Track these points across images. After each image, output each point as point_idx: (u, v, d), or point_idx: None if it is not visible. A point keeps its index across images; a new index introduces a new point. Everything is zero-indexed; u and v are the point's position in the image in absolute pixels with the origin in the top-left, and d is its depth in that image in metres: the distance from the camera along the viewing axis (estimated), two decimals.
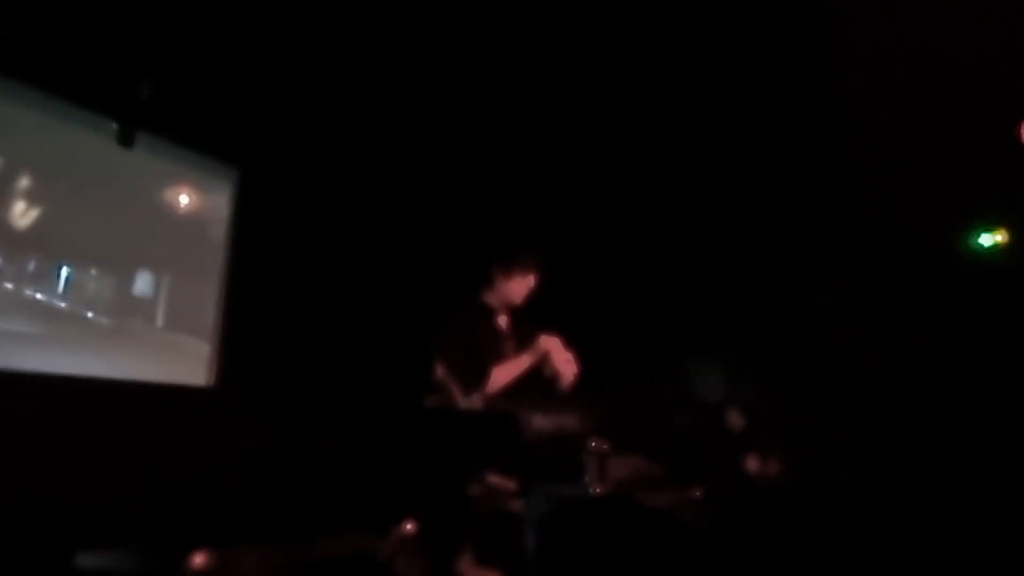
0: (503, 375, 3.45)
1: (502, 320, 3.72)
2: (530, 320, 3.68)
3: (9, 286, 3.57)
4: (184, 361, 4.08)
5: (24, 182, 3.62)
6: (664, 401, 4.49)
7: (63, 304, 3.74)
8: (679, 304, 4.62)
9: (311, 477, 2.98)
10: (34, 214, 3.63)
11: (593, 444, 2.78)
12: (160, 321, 4.13)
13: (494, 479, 2.79)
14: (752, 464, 4.19)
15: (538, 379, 3.46)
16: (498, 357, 3.52)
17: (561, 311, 3.69)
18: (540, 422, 3.19)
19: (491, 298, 3.66)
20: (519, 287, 3.61)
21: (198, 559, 2.09)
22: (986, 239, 4.67)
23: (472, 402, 3.21)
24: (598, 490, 2.73)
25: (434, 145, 4.48)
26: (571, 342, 3.54)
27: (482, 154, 4.50)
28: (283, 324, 4.11)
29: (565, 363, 3.48)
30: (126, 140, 3.78)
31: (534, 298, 3.69)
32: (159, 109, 3.85)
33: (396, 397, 3.51)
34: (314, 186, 4.35)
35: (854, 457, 4.31)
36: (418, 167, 4.56)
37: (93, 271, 3.91)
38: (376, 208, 4.55)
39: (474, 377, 3.37)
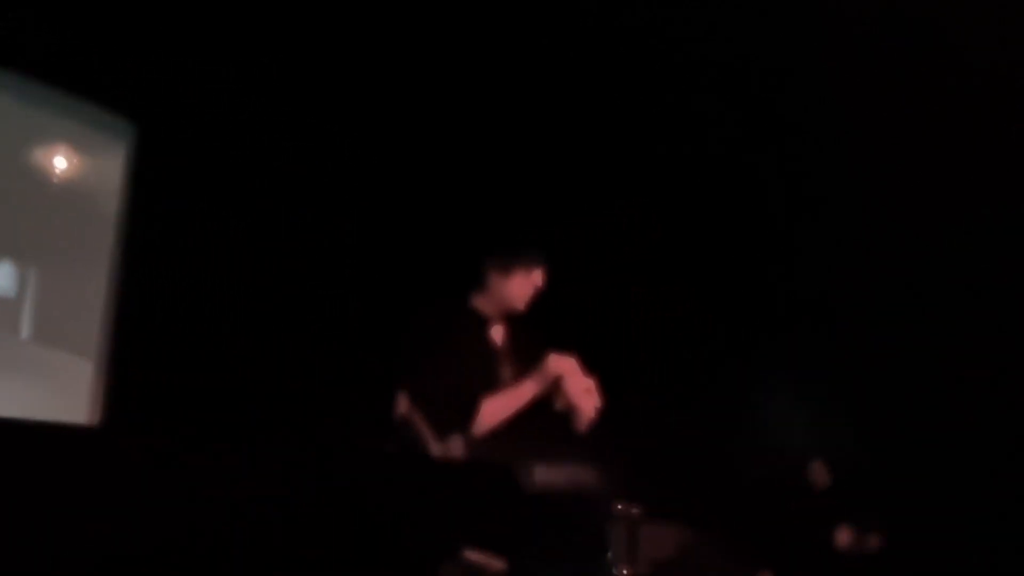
0: (496, 410, 3.22)
1: (497, 333, 3.50)
2: (535, 333, 3.51)
3: None
4: (58, 388, 3.93)
5: None
6: (719, 449, 4.32)
7: None
8: (739, 315, 4.51)
9: (225, 554, 2.54)
10: None
11: (620, 508, 2.55)
12: (25, 331, 3.92)
13: (475, 557, 2.41)
14: (843, 538, 4.05)
15: (544, 415, 3.24)
16: (489, 384, 3.30)
17: (577, 322, 3.63)
18: (545, 476, 2.95)
19: (483, 303, 3.46)
20: (521, 288, 3.39)
21: None
22: None
23: (450, 448, 3.00)
24: (626, 573, 2.51)
25: (400, 96, 4.39)
26: (592, 364, 3.30)
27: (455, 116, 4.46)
28: (195, 337, 3.95)
29: (583, 393, 3.24)
30: None
31: (540, 304, 3.47)
32: (25, 38, 3.49)
33: (345, 439, 3.10)
34: (240, 150, 4.20)
35: (981, 526, 4.14)
36: (379, 126, 4.44)
37: None
38: (325, 183, 4.36)
39: (454, 412, 3.14)
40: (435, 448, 2.94)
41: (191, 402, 3.82)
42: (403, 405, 3.09)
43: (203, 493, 2.50)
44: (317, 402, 3.96)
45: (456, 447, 3.01)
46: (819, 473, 4.26)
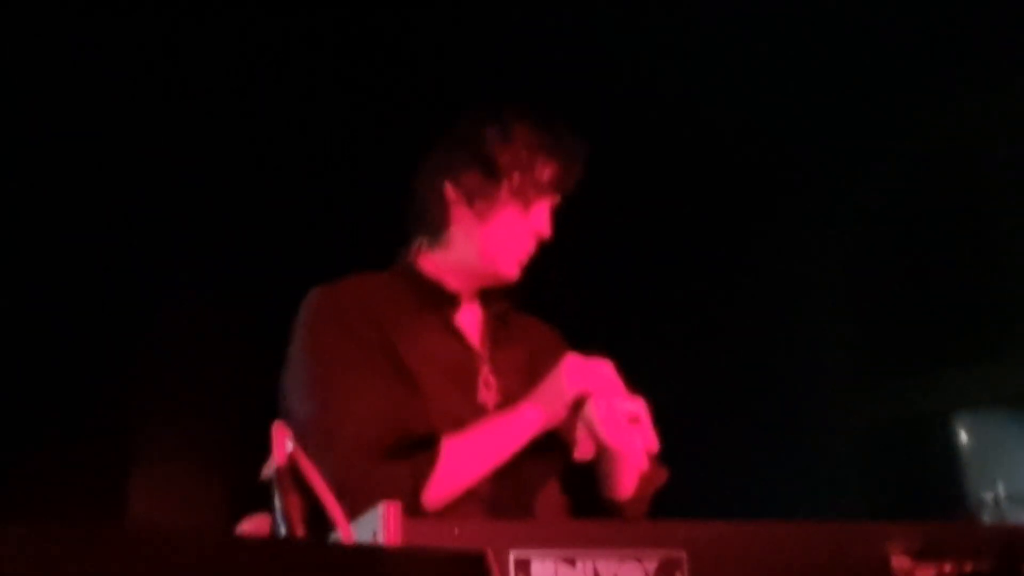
0: (469, 457, 1.94)
1: (467, 319, 2.18)
2: (535, 321, 2.31)
3: None
4: None
5: None
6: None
7: None
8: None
9: None
10: None
11: None
12: None
13: None
14: None
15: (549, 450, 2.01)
16: (456, 411, 2.02)
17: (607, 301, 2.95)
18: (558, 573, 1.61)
19: (435, 264, 2.16)
20: (512, 235, 2.09)
21: None
22: None
23: (369, 526, 1.59)
24: None
25: None
26: (637, 373, 1.99)
27: None
28: None
29: (626, 427, 1.89)
30: None
31: (543, 269, 2.15)
32: None
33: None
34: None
35: None
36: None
37: None
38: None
39: (382, 465, 1.90)
40: (344, 530, 1.61)
41: None
42: (283, 441, 1.67)
43: None
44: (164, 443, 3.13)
45: (389, 526, 1.60)
46: None
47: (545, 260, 2.10)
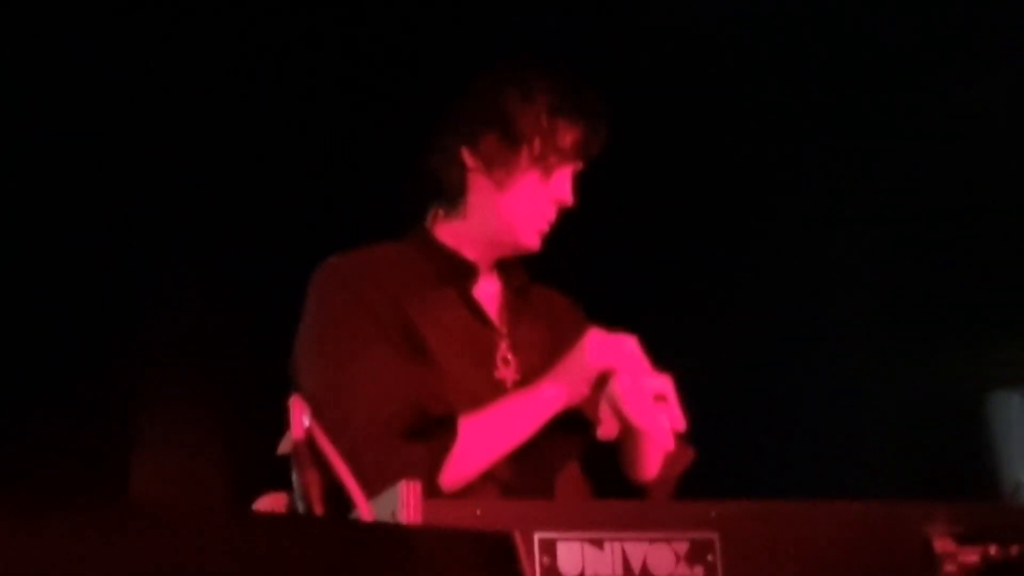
0: (489, 436, 1.88)
1: (486, 291, 2.09)
2: (555, 293, 2.23)
3: None
4: None
5: None
6: None
7: None
8: None
9: None
10: None
11: None
12: None
13: None
14: None
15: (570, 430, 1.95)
16: (475, 387, 1.96)
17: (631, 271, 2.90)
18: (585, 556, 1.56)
19: (452, 233, 2.08)
20: (534, 202, 2.00)
21: None
22: None
23: (388, 505, 1.54)
24: None
25: None
26: (662, 349, 1.93)
27: None
28: None
29: (652, 404, 1.83)
30: None
31: (563, 239, 2.07)
32: None
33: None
34: None
35: None
36: None
37: None
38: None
39: (403, 442, 1.85)
40: (364, 509, 1.54)
41: None
42: (300, 417, 1.63)
43: None
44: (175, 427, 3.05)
45: (408, 503, 1.55)
46: None
47: (567, 229, 2.02)
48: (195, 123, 3.40)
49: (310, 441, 1.54)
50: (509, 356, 2.02)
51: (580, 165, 2.00)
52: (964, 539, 1.53)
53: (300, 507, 1.60)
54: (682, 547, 1.48)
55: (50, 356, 3.19)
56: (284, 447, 1.62)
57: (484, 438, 1.84)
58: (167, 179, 3.36)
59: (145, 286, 3.24)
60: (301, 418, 1.53)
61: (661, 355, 1.88)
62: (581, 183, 2.01)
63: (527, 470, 1.88)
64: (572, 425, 1.90)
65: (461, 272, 2.03)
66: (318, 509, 1.50)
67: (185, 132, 3.40)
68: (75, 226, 3.29)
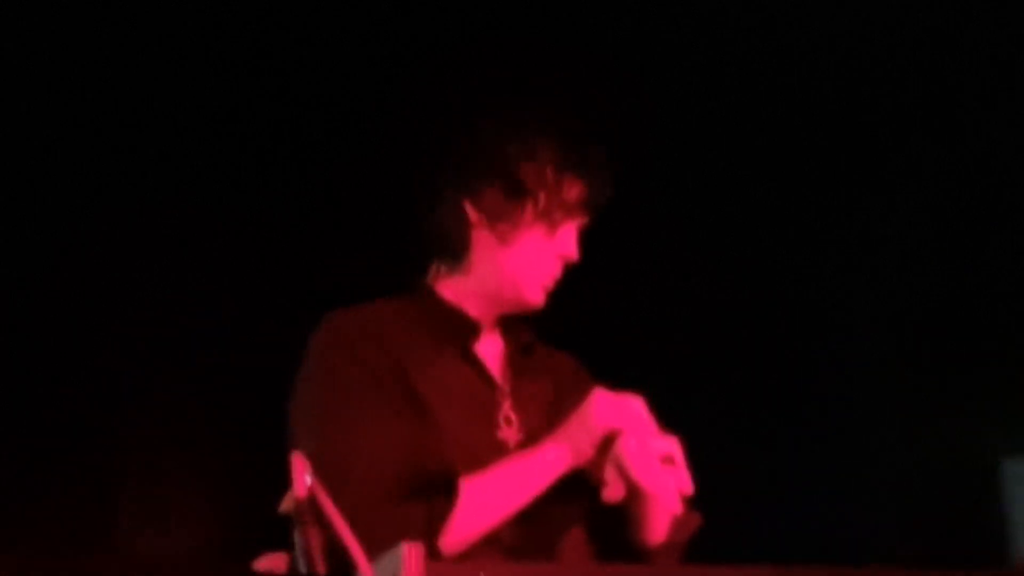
0: (491, 499, 1.82)
1: (488, 349, 2.04)
2: (560, 351, 2.17)
3: None
4: None
5: None
6: None
7: None
8: None
9: None
10: None
11: None
12: None
13: None
14: None
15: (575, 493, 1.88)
16: (477, 447, 1.90)
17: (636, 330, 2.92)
18: None
19: (456, 289, 2.04)
20: (538, 259, 1.97)
21: None
22: None
23: (390, 567, 1.42)
24: None
25: None
26: (668, 410, 1.86)
27: None
28: None
29: (657, 467, 1.77)
30: None
31: (568, 295, 2.02)
32: None
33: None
34: None
35: None
36: None
37: None
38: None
39: (394, 507, 1.77)
40: (366, 571, 1.44)
41: None
42: (303, 475, 1.55)
43: None
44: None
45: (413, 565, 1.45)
46: None
47: (571, 286, 1.97)
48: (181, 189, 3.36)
49: (312, 499, 1.47)
50: (512, 415, 1.95)
51: (585, 220, 1.95)
52: None
53: (302, 567, 1.54)
54: None
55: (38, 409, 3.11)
56: (286, 505, 1.56)
57: (486, 500, 1.77)
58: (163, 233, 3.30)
59: (143, 327, 3.19)
60: (303, 476, 1.47)
61: (668, 417, 1.81)
62: (585, 238, 1.96)
63: (530, 533, 1.80)
64: (577, 487, 1.81)
65: (463, 329, 1.97)
66: (320, 569, 1.43)
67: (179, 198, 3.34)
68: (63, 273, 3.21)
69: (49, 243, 3.15)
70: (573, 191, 1.91)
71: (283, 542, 1.68)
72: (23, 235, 3.11)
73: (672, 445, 1.75)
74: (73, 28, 3.19)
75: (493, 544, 1.76)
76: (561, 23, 3.56)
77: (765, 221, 3.75)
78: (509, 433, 1.92)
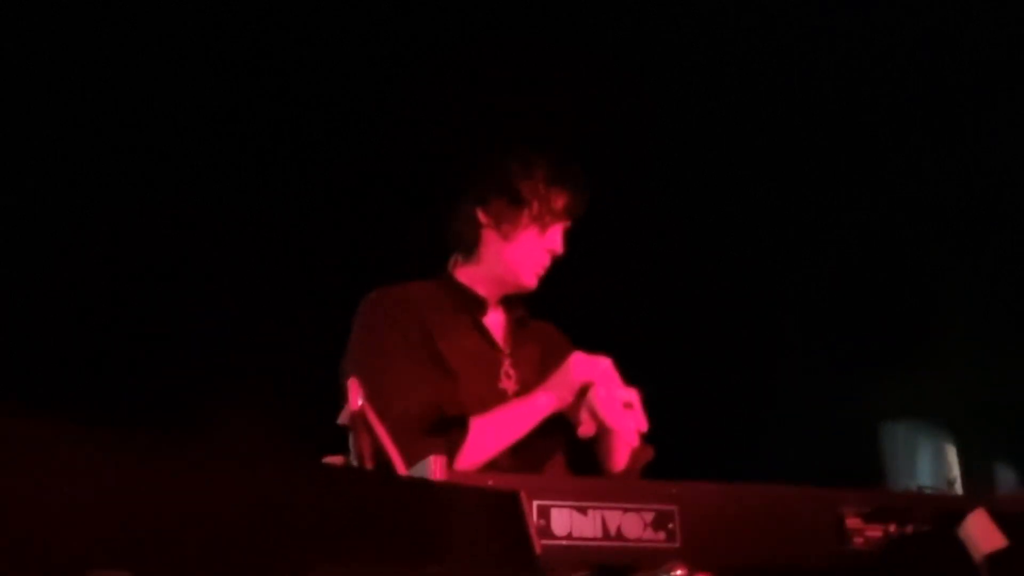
0: (493, 433, 2.20)
1: (493, 322, 2.46)
2: (547, 324, 2.57)
3: None
4: None
5: None
6: None
7: None
8: None
9: None
10: None
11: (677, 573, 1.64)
12: None
13: None
14: None
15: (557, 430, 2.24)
16: (484, 396, 2.29)
17: (610, 308, 3.09)
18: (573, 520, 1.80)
19: (470, 274, 2.45)
20: (532, 252, 2.38)
21: None
22: None
23: (420, 473, 1.82)
24: None
25: None
26: (632, 368, 2.23)
27: None
28: None
29: (621, 410, 2.15)
30: None
31: (555, 279, 2.42)
32: None
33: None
34: None
35: None
36: None
37: None
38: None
39: (428, 437, 2.13)
40: (402, 470, 1.84)
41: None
42: (357, 394, 1.89)
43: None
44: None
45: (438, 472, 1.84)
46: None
47: (557, 273, 2.38)
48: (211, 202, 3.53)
49: (363, 413, 1.83)
50: (511, 371, 2.36)
51: (568, 223, 2.37)
52: (870, 519, 1.72)
53: (355, 465, 1.87)
54: (648, 516, 1.69)
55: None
56: (343, 418, 1.84)
57: (490, 434, 2.16)
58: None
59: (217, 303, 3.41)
60: (357, 396, 1.84)
61: (630, 373, 2.19)
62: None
63: (523, 460, 2.18)
64: (559, 426, 2.20)
65: (474, 305, 2.39)
66: (369, 466, 1.80)
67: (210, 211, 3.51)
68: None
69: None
70: (560, 201, 2.35)
71: (342, 447, 2.02)
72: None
73: (632, 394, 2.16)
74: (73, 28, 3.30)
75: (494, 468, 2.15)
76: (561, 23, 3.69)
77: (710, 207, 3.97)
78: (508, 384, 2.33)
